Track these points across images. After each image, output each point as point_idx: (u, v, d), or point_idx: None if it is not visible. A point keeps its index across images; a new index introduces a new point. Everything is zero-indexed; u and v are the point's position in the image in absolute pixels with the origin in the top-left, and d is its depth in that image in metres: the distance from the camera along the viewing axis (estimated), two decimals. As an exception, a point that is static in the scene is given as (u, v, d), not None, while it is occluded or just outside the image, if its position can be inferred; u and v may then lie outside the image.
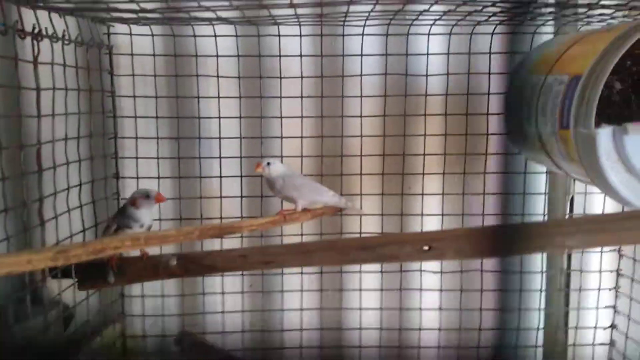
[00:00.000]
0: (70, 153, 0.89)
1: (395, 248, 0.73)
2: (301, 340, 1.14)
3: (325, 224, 1.11)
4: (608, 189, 0.75)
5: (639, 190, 0.74)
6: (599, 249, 1.11)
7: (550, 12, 0.91)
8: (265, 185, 1.01)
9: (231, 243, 1.07)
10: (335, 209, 1.01)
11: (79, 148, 0.91)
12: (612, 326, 1.13)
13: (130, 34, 1.01)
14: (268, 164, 0.94)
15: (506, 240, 0.68)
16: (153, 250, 0.98)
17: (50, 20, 0.80)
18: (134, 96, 1.04)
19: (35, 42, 0.75)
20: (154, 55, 1.03)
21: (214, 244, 1.05)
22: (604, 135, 0.72)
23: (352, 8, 0.85)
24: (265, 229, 1.04)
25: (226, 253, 0.83)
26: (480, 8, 0.84)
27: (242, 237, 1.09)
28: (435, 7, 0.86)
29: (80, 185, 0.92)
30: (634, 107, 0.97)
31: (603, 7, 0.83)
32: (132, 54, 1.02)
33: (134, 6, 0.73)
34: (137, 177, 1.07)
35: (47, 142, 0.80)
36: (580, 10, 0.87)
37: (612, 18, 0.93)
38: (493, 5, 0.82)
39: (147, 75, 1.04)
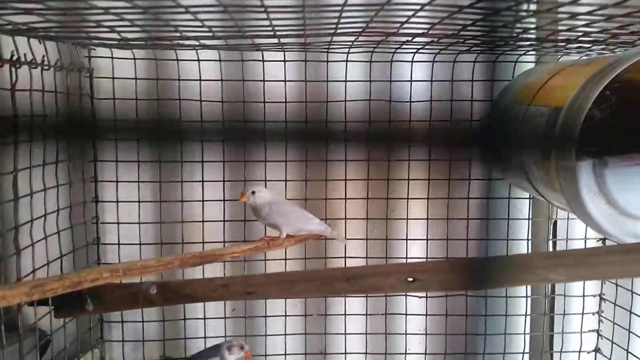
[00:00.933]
0: (48, 178, 0.87)
1: (379, 279, 0.72)
2: (285, 366, 1.12)
3: (310, 248, 1.10)
4: (589, 221, 0.75)
5: (619, 222, 0.74)
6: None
7: (530, 44, 0.92)
8: (249, 210, 1.00)
9: (212, 268, 1.05)
10: (316, 235, 1.00)
11: (57, 173, 0.89)
12: (597, 350, 1.14)
13: (112, 57, 1.00)
14: (253, 192, 0.92)
15: (489, 272, 0.68)
16: (132, 278, 0.96)
17: (30, 45, 0.79)
18: (115, 120, 1.02)
19: (13, 69, 0.73)
20: (135, 78, 1.02)
21: (195, 271, 1.04)
22: (585, 168, 0.73)
23: (336, 38, 0.86)
24: (248, 255, 1.03)
25: (207, 282, 0.82)
26: (462, 40, 0.85)
27: (224, 262, 1.08)
28: (417, 39, 0.86)
29: (57, 210, 0.91)
30: (614, 136, 0.98)
31: (581, 42, 0.84)
32: (113, 77, 1.01)
33: (115, 36, 0.72)
34: (117, 201, 1.05)
35: (24, 168, 0.79)
36: (560, 43, 0.89)
37: (590, 50, 0.95)
38: (473, 38, 0.83)
39: (129, 99, 1.03)
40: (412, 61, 1.05)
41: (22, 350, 0.83)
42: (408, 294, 1.11)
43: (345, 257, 1.10)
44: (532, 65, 1.07)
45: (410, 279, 0.71)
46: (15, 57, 0.74)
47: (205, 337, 1.10)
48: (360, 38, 0.84)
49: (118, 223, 1.06)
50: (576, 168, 0.73)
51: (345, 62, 1.04)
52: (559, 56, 1.06)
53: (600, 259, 0.62)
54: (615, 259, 0.62)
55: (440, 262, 0.79)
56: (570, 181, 0.74)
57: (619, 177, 0.73)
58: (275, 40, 0.83)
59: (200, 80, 1.03)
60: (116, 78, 1.01)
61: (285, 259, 1.09)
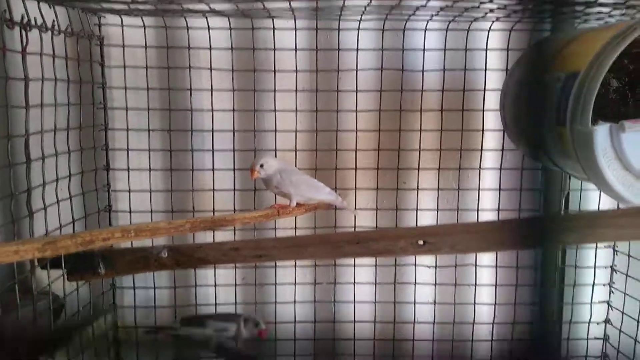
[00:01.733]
0: (60, 144, 0.87)
1: (390, 243, 0.72)
2: (295, 332, 1.14)
3: (319, 218, 1.10)
4: (605, 186, 0.74)
5: (635, 187, 0.73)
6: (593, 245, 1.11)
7: (547, 10, 0.90)
8: (259, 180, 1.00)
9: (223, 236, 1.06)
10: (327, 205, 1.00)
11: (68, 139, 0.90)
12: (606, 321, 1.14)
13: (122, 25, 1.00)
14: (262, 165, 0.92)
15: (501, 235, 0.67)
16: (144, 242, 0.97)
17: (40, 10, 0.78)
18: (125, 88, 1.02)
19: (24, 32, 0.73)
20: (145, 46, 1.01)
21: (206, 237, 1.04)
22: (601, 132, 0.72)
23: (348, 2, 0.84)
24: (258, 223, 1.04)
25: (218, 246, 0.82)
26: (477, 5, 0.83)
27: (234, 230, 1.09)
28: (432, 3, 0.85)
29: (69, 176, 0.91)
30: (631, 105, 0.96)
31: (601, 4, 0.82)
32: (123, 45, 1.01)
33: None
34: (128, 169, 1.05)
35: (36, 132, 0.79)
36: (578, 8, 0.86)
37: (610, 16, 0.92)
38: (490, 1, 0.81)
39: (139, 67, 1.02)
40: (425, 29, 1.03)
41: (36, 311, 0.85)
42: (418, 263, 1.11)
43: (355, 227, 1.10)
44: (548, 34, 1.05)
45: (421, 242, 0.71)
46: (25, 20, 0.73)
47: (216, 304, 1.11)
48: (373, 2, 0.82)
49: (129, 191, 1.07)
50: (592, 133, 0.71)
51: (357, 31, 1.02)
52: (577, 24, 1.03)
53: (614, 221, 0.61)
54: (629, 222, 0.61)
55: (451, 225, 0.79)
56: (587, 147, 0.73)
57: (635, 141, 0.71)
58: (286, 4, 0.82)
59: (210, 48, 1.02)
60: (126, 46, 1.01)
61: (295, 229, 1.10)
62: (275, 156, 1.05)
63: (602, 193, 1.08)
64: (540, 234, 0.64)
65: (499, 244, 0.69)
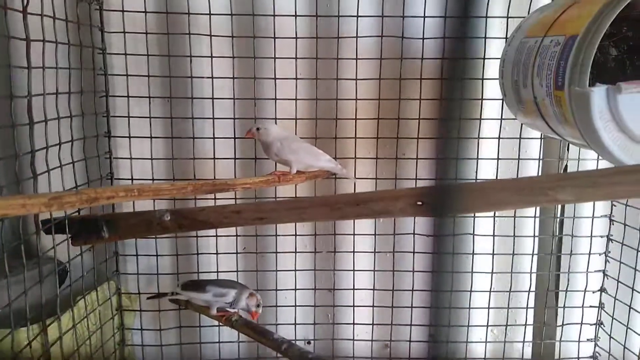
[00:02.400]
0: (61, 109, 0.88)
1: (389, 203, 0.73)
2: (295, 299, 1.15)
3: (319, 186, 1.11)
4: (601, 149, 0.75)
5: (631, 149, 0.74)
6: (590, 214, 1.12)
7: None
8: (259, 148, 1.01)
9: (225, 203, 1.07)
10: (326, 173, 1.01)
11: (70, 104, 0.90)
12: (602, 289, 1.15)
13: (122, -10, 0.99)
14: (258, 129, 0.93)
15: (499, 193, 0.68)
16: (146, 206, 0.98)
17: (40, -30, 0.78)
18: (125, 54, 1.02)
19: (24, -9, 0.73)
20: (145, 12, 1.01)
21: (207, 203, 1.05)
22: (598, 93, 0.72)
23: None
24: (259, 188, 1.05)
25: (220, 209, 0.83)
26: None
27: (235, 198, 1.10)
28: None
29: (72, 141, 0.92)
30: (629, 73, 0.97)
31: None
32: (122, 10, 1.00)
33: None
34: (130, 137, 1.06)
35: (38, 94, 0.79)
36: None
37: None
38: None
39: (139, 33, 1.02)
40: (425, -4, 1.03)
41: (41, 275, 0.86)
42: (416, 232, 1.13)
43: (354, 196, 1.11)
44: (548, 0, 1.05)
45: (420, 203, 0.72)
46: (25, -20, 0.73)
47: (217, 272, 1.13)
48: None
49: (131, 158, 1.07)
50: (589, 94, 0.72)
51: (357, -4, 1.02)
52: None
53: (609, 179, 0.62)
54: (624, 179, 0.62)
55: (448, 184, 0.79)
56: (583, 108, 0.73)
57: (632, 103, 0.72)
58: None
59: (210, 14, 1.02)
60: (126, 11, 1.01)
61: (296, 197, 1.11)
62: (276, 123, 1.05)
63: (599, 162, 1.09)
64: (537, 192, 0.65)
65: (502, 202, 0.69)
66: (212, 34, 1.02)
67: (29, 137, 0.78)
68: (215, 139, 1.07)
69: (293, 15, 1.03)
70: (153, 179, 1.08)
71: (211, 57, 1.04)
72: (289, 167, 0.95)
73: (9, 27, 0.72)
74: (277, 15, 1.02)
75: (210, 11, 1.01)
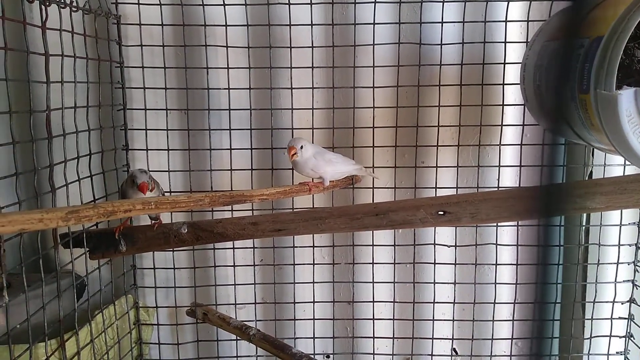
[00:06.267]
0: (80, 122, 0.88)
1: (409, 213, 0.71)
2: (314, 312, 1.13)
3: (337, 197, 1.10)
4: (629, 152, 0.72)
5: (661, 154, 0.71)
6: (618, 222, 1.09)
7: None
8: (276, 159, 0.99)
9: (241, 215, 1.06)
10: (347, 182, 1.00)
11: (88, 118, 0.90)
12: (631, 300, 1.11)
13: (139, 3, 1.00)
14: (302, 147, 0.90)
15: (524, 203, 0.66)
16: (164, 219, 0.98)
17: (58, -15, 0.79)
18: (142, 67, 1.02)
19: (43, 6, 0.74)
20: (162, 25, 1.01)
21: (224, 215, 1.04)
22: (626, 96, 0.70)
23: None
24: (276, 199, 1.03)
25: (237, 220, 0.83)
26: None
27: (252, 209, 1.09)
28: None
29: (90, 154, 0.92)
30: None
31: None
32: (140, 24, 1.01)
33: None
34: (147, 149, 1.06)
35: (57, 109, 0.80)
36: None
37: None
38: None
39: (156, 46, 1.03)
40: (442, 1, 1.01)
41: (60, 289, 0.86)
42: (437, 242, 1.10)
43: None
44: (569, 4, 1.02)
45: (441, 212, 0.70)
46: (44, -5, 0.74)
47: (235, 284, 1.12)
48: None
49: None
50: (617, 97, 0.69)
51: (373, 4, 1.01)
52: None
53: (635, 185, 0.60)
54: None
55: (471, 194, 0.77)
56: (610, 112, 0.71)
57: (662, 106, 0.69)
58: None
59: (226, 25, 1.02)
60: (143, 24, 1.01)
61: (313, 208, 1.09)
62: (293, 135, 1.04)
63: (625, 168, 1.06)
64: (562, 200, 0.63)
65: (521, 212, 0.67)
66: (229, 45, 1.02)
67: (48, 151, 0.78)
68: (232, 150, 1.07)
69: (309, 25, 1.02)
70: (170, 191, 1.08)
71: (227, 68, 1.04)
72: (314, 178, 0.94)
73: (28, 42, 0.73)
74: (293, 25, 1.02)
75: (226, 22, 1.01)
